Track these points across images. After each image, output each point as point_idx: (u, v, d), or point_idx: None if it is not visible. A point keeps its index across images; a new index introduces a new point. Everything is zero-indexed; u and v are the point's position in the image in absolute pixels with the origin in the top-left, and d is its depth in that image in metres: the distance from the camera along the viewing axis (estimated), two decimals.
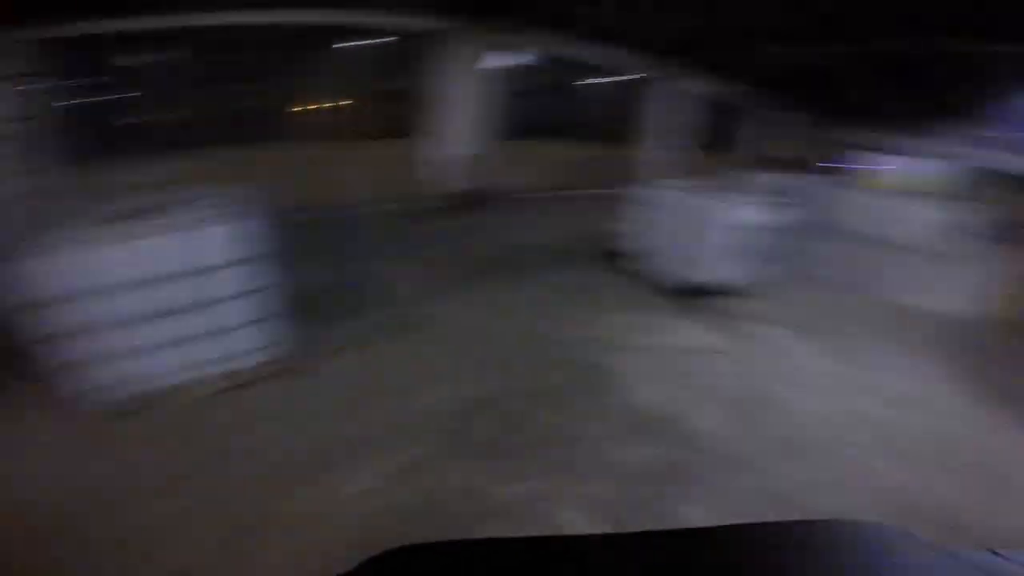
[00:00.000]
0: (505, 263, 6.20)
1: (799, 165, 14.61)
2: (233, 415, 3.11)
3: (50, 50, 5.44)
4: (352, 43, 6.99)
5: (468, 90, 7.99)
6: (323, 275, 5.36)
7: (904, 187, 11.40)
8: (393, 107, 7.81)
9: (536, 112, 9.66)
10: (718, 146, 14.37)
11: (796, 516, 2.20)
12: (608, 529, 2.41)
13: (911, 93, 11.77)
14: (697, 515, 2.52)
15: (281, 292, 3.94)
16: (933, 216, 9.52)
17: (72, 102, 6.21)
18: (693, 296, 5.30)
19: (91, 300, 2.68)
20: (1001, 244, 6.99)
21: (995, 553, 0.67)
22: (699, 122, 13.28)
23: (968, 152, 14.18)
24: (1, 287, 2.68)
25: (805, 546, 0.66)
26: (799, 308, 5.64)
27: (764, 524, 0.73)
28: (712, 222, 4.99)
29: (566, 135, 10.39)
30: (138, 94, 6.68)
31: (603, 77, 10.72)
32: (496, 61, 8.64)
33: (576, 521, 2.41)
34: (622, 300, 5.39)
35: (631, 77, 11.04)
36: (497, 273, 5.85)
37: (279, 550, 2.23)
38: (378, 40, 7.22)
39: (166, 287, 2.83)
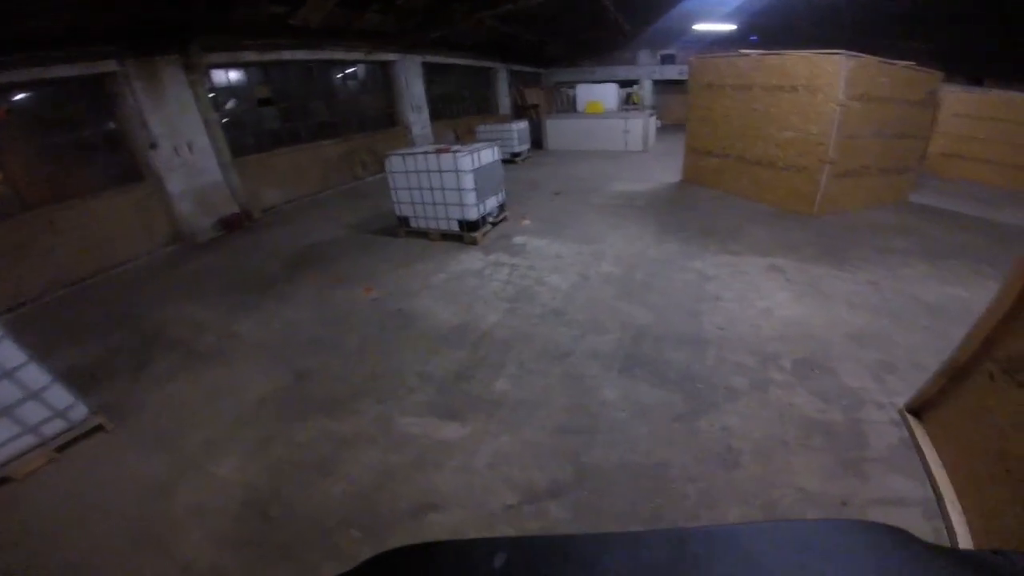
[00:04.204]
0: (299, 262, 6.36)
1: (535, 108, 17.70)
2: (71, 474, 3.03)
3: None
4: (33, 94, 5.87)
5: (194, 118, 7.65)
6: (121, 332, 4.86)
7: (608, 108, 14.45)
8: (112, 154, 6.94)
9: (285, 119, 9.55)
10: (470, 108, 16.38)
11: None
12: None
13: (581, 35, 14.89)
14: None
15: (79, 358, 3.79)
16: (627, 126, 12.62)
17: None
18: (460, 233, 6.47)
19: None
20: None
21: (995, 553, 0.69)
22: (448, 91, 14.83)
23: (648, 70, 18.56)
24: None
25: (804, 546, 0.66)
26: (539, 217, 7.54)
27: (763, 524, 0.76)
28: (454, 171, 6.08)
29: (324, 134, 10.50)
30: None
31: (342, 70, 11.11)
32: (220, 81, 8.46)
33: None
34: (416, 252, 6.34)
35: (373, 61, 11.34)
36: (296, 272, 6.00)
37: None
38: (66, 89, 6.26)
39: None
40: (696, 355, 3.70)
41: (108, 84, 6.69)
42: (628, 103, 17.41)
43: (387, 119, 12.78)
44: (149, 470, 3.03)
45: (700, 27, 14.49)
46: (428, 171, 6.31)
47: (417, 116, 13.27)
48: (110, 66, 6.48)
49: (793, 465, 2.66)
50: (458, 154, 6.06)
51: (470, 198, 6.26)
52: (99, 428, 3.37)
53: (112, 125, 6.94)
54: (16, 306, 5.69)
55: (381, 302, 5.05)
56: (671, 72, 19.62)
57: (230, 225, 8.11)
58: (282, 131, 9.73)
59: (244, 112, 9.06)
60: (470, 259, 6.04)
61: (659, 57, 19.93)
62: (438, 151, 6.30)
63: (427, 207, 6.63)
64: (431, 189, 6.43)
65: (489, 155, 6.57)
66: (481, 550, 0.73)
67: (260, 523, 2.58)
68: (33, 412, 3.04)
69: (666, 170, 10.54)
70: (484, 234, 6.76)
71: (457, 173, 6.11)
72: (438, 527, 2.44)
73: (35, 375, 3.03)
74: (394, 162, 6.55)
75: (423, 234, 6.90)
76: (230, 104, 8.83)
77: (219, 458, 3.08)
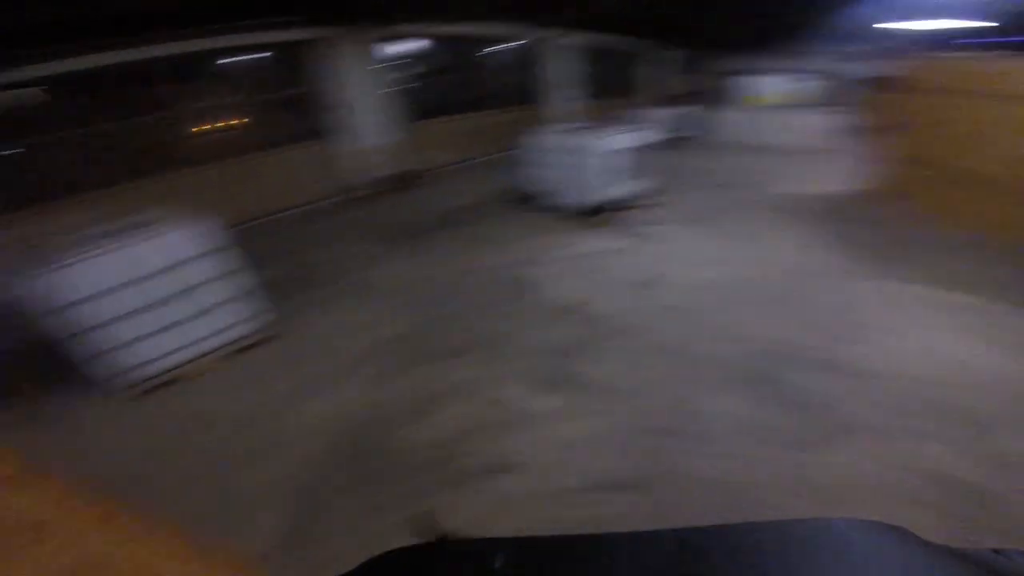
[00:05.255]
0: (440, 222, 7.04)
1: (689, 96, 16.50)
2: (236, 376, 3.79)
3: None
4: (237, 59, 7.34)
5: (366, 85, 8.61)
6: (287, 262, 5.86)
7: (775, 101, 12.97)
8: (297, 113, 8.32)
9: (440, 91, 10.42)
10: (616, 91, 15.91)
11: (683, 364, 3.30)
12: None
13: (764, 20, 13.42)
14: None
15: (253, 278, 4.64)
16: (801, 122, 11.19)
17: None
18: (593, 214, 6.63)
19: (100, 302, 3.31)
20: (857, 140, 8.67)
21: (996, 552, 0.68)
22: (594, 72, 14.59)
23: (826, 65, 16.18)
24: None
25: (805, 546, 0.66)
26: (684, 208, 7.10)
27: (763, 524, 0.77)
28: (591, 153, 6.11)
29: (472, 107, 11.15)
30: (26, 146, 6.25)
31: (497, 46, 11.57)
32: (387, 53, 9.25)
33: None
34: (547, 226, 6.68)
35: (523, 41, 11.88)
36: (436, 231, 6.65)
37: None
38: (263, 54, 7.65)
39: (161, 281, 3.53)
40: (827, 384, 3.28)
41: (304, 51, 7.87)
42: (803, 98, 15.29)
43: (535, 95, 13.00)
44: (273, 392, 3.57)
45: (900, 24, 12.11)
46: (565, 150, 6.36)
47: (563, 95, 13.27)
48: (304, 34, 7.61)
49: (891, 518, 2.27)
50: (595, 136, 5.99)
51: (602, 180, 6.19)
52: (263, 341, 4.12)
53: (305, 88, 8.19)
54: (230, 227, 7.19)
55: (508, 268, 5.33)
56: (863, 69, 16.70)
57: (390, 183, 9.12)
58: (441, 101, 10.51)
59: (411, 82, 9.95)
60: (601, 240, 6.01)
61: (849, 52, 17.02)
62: (577, 131, 6.30)
63: (561, 184, 6.71)
64: (566, 167, 6.48)
65: (629, 139, 6.40)
66: (481, 550, 0.75)
67: (349, 452, 2.95)
68: (225, 316, 3.86)
69: (845, 175, 9.10)
70: (617, 217, 6.64)
71: (592, 155, 6.07)
72: (501, 493, 2.59)
73: (240, 283, 3.86)
74: (533, 138, 6.71)
75: (556, 209, 7.01)
76: (400, 74, 9.73)
77: (335, 388, 3.57)
